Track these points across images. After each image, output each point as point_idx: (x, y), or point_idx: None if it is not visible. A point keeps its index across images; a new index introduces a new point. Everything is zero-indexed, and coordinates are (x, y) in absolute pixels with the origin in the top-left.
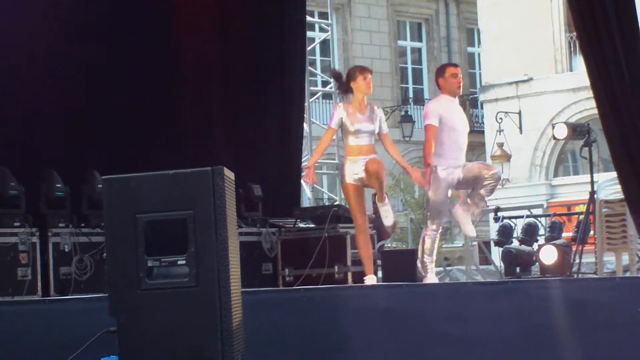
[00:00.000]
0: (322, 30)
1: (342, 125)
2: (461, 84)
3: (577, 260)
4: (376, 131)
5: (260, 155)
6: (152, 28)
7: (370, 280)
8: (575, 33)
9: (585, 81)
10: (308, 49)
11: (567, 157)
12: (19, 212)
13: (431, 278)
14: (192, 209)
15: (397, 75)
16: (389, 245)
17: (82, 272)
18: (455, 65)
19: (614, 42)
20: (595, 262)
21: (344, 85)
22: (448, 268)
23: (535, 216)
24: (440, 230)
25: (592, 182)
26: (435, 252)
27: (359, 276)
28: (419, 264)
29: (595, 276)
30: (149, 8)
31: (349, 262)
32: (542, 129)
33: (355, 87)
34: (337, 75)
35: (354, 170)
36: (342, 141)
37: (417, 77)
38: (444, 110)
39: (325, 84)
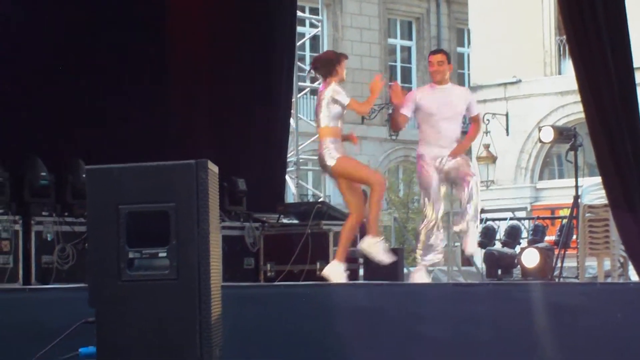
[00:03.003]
0: (312, 26)
1: (337, 104)
2: (438, 71)
3: (559, 264)
4: None
5: (246, 149)
6: (141, 21)
7: (337, 267)
8: (565, 36)
9: (574, 85)
10: (298, 44)
11: (552, 160)
12: (3, 199)
13: (417, 276)
14: (175, 202)
15: (386, 73)
16: None
17: (64, 262)
18: (434, 53)
19: (604, 46)
20: (577, 267)
21: (330, 67)
22: (430, 269)
23: (519, 219)
24: (436, 221)
25: (576, 187)
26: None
27: None
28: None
29: (576, 281)
30: (139, 2)
31: (331, 259)
32: (529, 131)
33: (340, 70)
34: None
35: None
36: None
37: (406, 76)
38: (421, 98)
39: (313, 79)
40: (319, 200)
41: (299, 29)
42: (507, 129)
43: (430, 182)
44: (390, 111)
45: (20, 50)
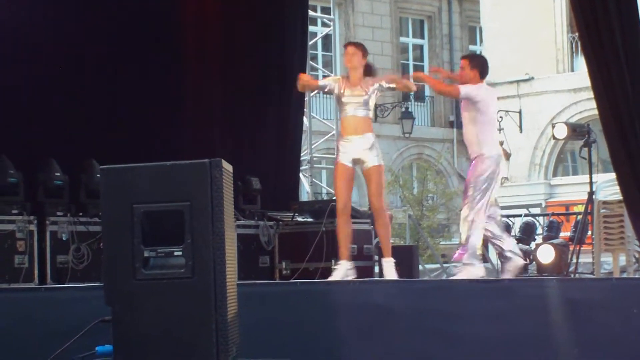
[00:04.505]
0: (324, 25)
1: (337, 97)
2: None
3: (575, 260)
4: (370, 103)
5: (260, 148)
6: (154, 20)
7: (343, 266)
8: (577, 33)
9: (586, 82)
10: (310, 43)
11: (566, 157)
12: (18, 199)
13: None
14: (190, 201)
15: (399, 72)
16: None
17: (79, 261)
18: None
19: (616, 43)
20: (592, 263)
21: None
22: (445, 265)
23: (534, 215)
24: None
25: (590, 183)
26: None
27: (359, 271)
28: None
29: (592, 276)
30: (153, 4)
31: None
32: (542, 128)
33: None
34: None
35: (347, 150)
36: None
37: None
38: None
39: (326, 77)
40: (333, 198)
41: (311, 28)
42: (520, 126)
43: None
44: (403, 109)
45: (35, 52)
